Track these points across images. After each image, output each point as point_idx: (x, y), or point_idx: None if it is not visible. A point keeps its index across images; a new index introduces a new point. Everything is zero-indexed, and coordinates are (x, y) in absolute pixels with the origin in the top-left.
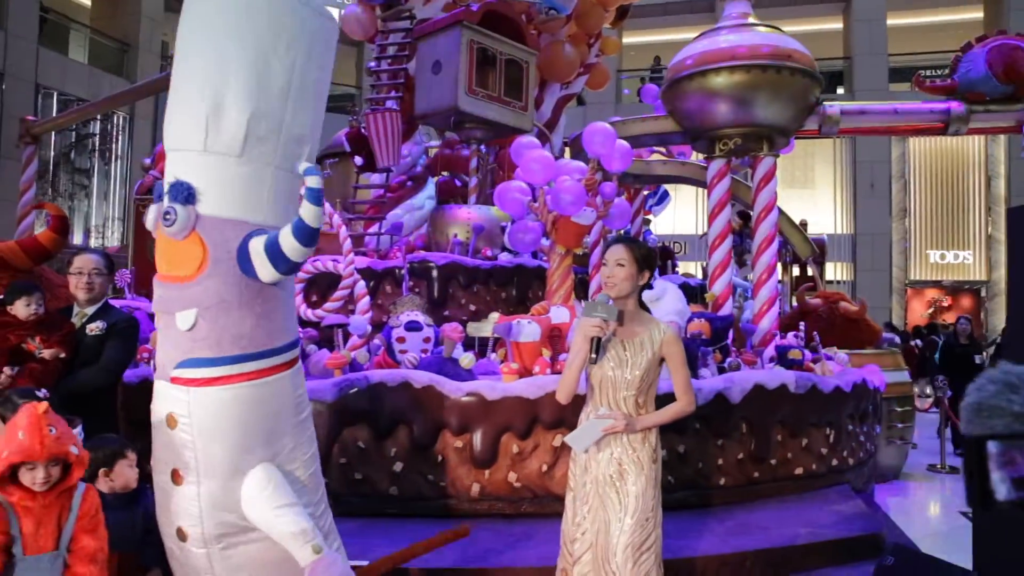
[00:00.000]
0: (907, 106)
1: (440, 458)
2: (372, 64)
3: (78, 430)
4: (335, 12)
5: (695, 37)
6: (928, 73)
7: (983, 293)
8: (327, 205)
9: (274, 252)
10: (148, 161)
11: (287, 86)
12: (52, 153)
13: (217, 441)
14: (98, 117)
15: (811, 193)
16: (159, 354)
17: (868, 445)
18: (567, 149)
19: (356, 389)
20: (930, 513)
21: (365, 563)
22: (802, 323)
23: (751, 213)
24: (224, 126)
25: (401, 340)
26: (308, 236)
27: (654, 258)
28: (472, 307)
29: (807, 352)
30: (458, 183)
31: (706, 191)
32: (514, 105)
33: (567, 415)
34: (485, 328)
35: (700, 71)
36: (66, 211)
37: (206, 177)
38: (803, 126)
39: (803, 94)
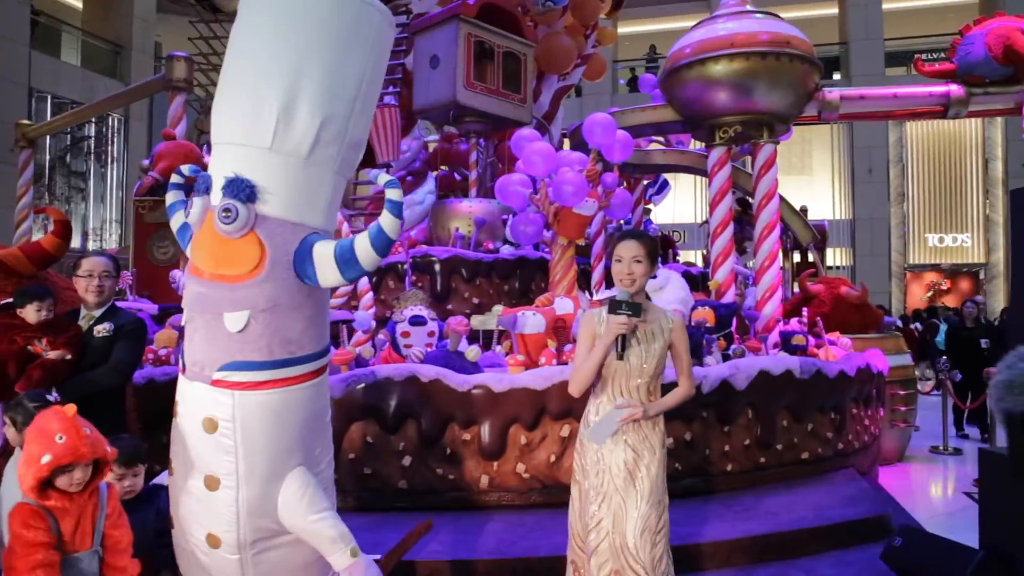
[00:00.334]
0: (907, 90)
1: (449, 451)
2: None
3: None
4: None
5: (692, 26)
6: (925, 57)
7: (981, 275)
8: None
9: (346, 259)
10: (146, 162)
11: (357, 93)
12: (48, 157)
13: (261, 446)
14: (93, 120)
15: (809, 179)
16: (193, 354)
17: (872, 428)
18: (566, 140)
19: (363, 384)
20: (934, 494)
21: (379, 556)
22: (805, 309)
23: (750, 200)
24: (295, 127)
25: (406, 335)
26: (386, 246)
27: (659, 249)
28: (475, 300)
29: (811, 337)
30: (457, 177)
31: (705, 179)
32: (513, 98)
33: (575, 405)
34: (490, 321)
35: (699, 59)
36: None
37: (271, 176)
38: (803, 112)
39: (802, 80)
